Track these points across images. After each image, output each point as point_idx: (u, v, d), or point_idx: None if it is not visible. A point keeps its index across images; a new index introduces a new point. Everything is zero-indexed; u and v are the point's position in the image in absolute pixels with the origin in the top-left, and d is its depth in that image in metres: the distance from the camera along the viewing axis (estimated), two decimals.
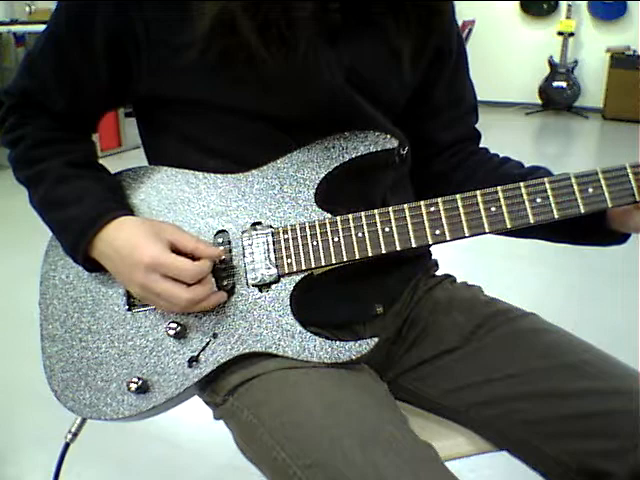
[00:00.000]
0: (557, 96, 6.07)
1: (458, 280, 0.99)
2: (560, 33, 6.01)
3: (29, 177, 0.86)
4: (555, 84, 6.06)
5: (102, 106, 0.90)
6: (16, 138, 0.86)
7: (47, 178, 0.83)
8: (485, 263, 2.73)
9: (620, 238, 0.83)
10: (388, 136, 0.80)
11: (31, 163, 0.85)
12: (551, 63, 6.08)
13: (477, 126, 1.00)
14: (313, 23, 0.74)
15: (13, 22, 5.03)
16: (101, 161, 0.92)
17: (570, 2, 5.97)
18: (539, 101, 6.24)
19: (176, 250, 0.77)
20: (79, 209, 0.80)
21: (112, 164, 0.95)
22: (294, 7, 0.72)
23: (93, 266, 0.82)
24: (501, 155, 0.97)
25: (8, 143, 0.88)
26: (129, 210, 0.83)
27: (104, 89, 0.84)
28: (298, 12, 0.73)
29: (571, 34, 5.99)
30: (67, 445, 0.92)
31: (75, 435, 0.91)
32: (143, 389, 0.79)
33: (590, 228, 0.83)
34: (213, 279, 0.79)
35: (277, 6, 0.72)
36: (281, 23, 0.72)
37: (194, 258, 0.77)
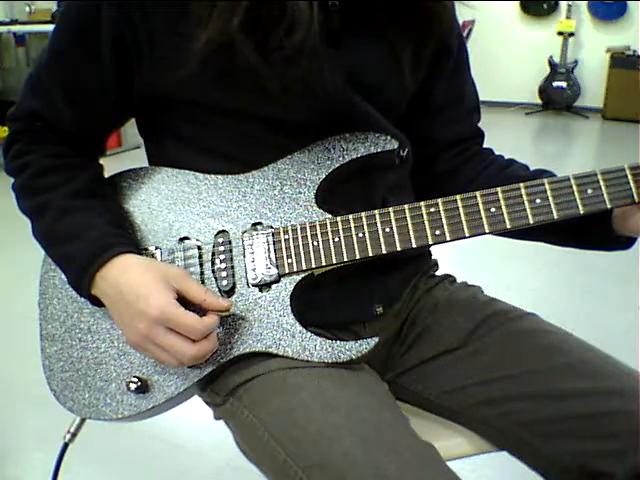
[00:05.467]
0: (557, 96, 6.08)
1: (458, 280, 0.99)
2: (560, 33, 6.01)
3: (32, 208, 0.84)
4: (555, 84, 6.07)
5: (110, 119, 0.89)
6: (20, 166, 0.84)
7: (49, 211, 0.81)
8: (485, 263, 2.74)
9: (625, 244, 0.83)
10: (388, 137, 0.80)
11: (34, 193, 0.83)
12: (551, 63, 6.08)
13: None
14: (313, 34, 0.73)
15: (13, 22, 5.03)
16: (101, 161, 0.92)
17: (570, 2, 5.98)
18: (539, 101, 6.24)
19: (183, 299, 0.75)
20: (79, 245, 0.78)
21: (112, 164, 0.95)
22: (294, 21, 0.71)
23: (98, 303, 0.80)
24: (504, 156, 0.97)
25: (12, 171, 0.86)
26: (132, 244, 0.81)
27: (112, 98, 0.82)
28: (297, 26, 0.71)
29: (571, 34, 5.99)
30: (66, 445, 0.92)
31: (74, 435, 0.91)
32: (143, 389, 0.79)
33: (596, 233, 0.82)
34: (216, 316, 0.75)
35: (275, 22, 0.71)
36: (281, 41, 0.71)
37: (202, 308, 0.75)
